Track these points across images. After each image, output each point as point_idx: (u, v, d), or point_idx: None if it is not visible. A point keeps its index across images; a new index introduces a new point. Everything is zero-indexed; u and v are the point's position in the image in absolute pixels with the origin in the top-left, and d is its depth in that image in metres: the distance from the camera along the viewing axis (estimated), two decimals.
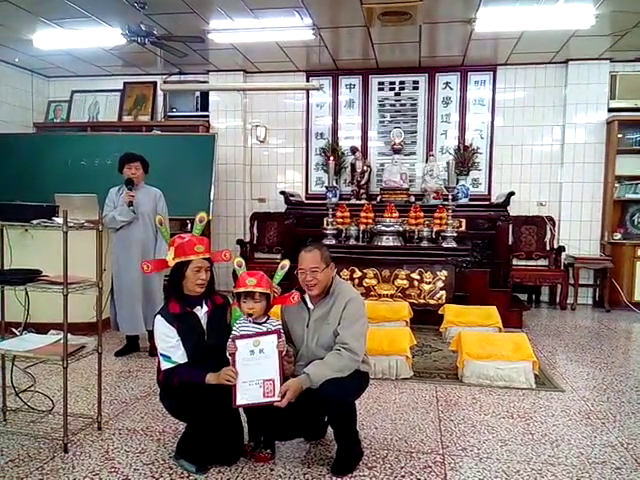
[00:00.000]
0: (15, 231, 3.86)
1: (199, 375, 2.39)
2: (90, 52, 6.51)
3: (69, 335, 2.62)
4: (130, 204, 4.16)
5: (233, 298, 2.62)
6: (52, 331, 2.98)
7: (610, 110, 6.66)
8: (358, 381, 2.52)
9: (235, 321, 2.55)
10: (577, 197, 6.79)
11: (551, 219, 6.87)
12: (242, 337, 2.42)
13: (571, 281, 6.58)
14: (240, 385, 2.34)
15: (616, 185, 6.63)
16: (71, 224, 2.57)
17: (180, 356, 2.42)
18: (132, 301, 4.22)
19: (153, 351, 2.58)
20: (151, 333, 3.37)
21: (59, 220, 2.59)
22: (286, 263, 2.67)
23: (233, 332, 2.48)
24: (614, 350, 4.74)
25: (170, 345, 2.42)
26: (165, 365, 2.41)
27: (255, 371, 2.35)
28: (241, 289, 2.46)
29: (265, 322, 2.50)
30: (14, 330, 3.59)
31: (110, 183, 4.39)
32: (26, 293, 2.86)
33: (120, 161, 4.29)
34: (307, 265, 2.50)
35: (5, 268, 2.89)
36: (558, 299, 6.68)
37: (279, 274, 2.63)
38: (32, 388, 3.38)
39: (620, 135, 6.60)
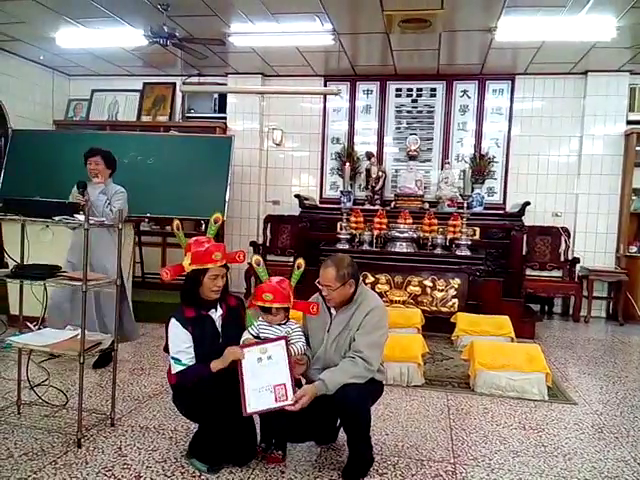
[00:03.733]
0: (34, 227, 3.91)
1: (202, 370, 2.40)
2: (111, 52, 6.58)
3: (86, 331, 2.64)
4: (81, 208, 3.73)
5: (248, 300, 2.63)
6: (69, 327, 3.02)
7: (629, 122, 6.61)
8: (373, 388, 2.53)
9: (249, 326, 2.57)
10: (593, 209, 6.73)
11: (566, 230, 6.83)
12: (249, 345, 2.42)
13: (585, 293, 6.52)
14: (250, 393, 2.34)
15: (633, 198, 6.58)
16: (92, 221, 2.60)
17: (190, 359, 2.43)
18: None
19: (166, 346, 2.58)
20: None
21: (80, 217, 2.62)
22: (301, 262, 2.66)
23: (251, 330, 2.51)
24: (627, 364, 4.69)
25: (180, 349, 2.42)
26: (176, 368, 2.43)
27: (265, 378, 2.36)
28: (259, 303, 2.48)
29: (284, 324, 2.53)
30: (29, 325, 3.63)
31: (128, 182, 4.41)
32: (45, 289, 2.90)
33: (84, 157, 4.07)
34: (322, 281, 2.52)
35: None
36: (571, 311, 6.62)
37: (296, 274, 2.64)
38: (46, 382, 3.41)
39: (638, 148, 6.53)
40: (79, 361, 2.59)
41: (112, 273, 3.69)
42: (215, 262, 2.46)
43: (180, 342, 2.43)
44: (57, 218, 2.60)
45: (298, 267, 2.64)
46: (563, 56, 6.15)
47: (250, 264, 2.66)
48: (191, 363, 2.42)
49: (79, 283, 2.53)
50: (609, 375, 4.30)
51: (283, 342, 2.41)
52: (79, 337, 2.62)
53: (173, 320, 2.47)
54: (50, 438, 2.73)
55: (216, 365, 2.39)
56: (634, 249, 6.51)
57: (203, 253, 2.46)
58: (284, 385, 2.34)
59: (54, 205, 2.74)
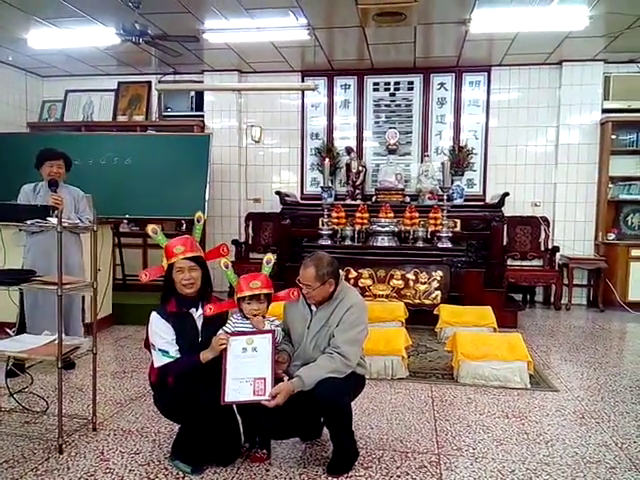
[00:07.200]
0: (9, 231, 3.84)
1: (192, 360, 2.39)
2: (84, 51, 6.48)
3: (63, 336, 2.60)
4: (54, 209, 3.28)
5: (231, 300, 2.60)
6: (46, 331, 2.96)
7: (604, 111, 6.69)
8: (354, 383, 2.53)
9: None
10: (571, 198, 6.81)
11: (545, 219, 6.90)
12: (236, 334, 2.43)
13: (565, 281, 6.60)
14: (230, 382, 2.34)
15: (610, 186, 6.66)
16: (65, 224, 2.55)
17: (176, 352, 2.42)
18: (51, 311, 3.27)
19: (146, 342, 2.56)
20: None
21: (53, 220, 2.57)
22: (271, 257, 2.66)
23: (226, 327, 2.49)
24: (608, 350, 4.76)
25: (166, 341, 2.41)
26: (163, 360, 2.40)
27: (246, 369, 2.36)
28: (246, 293, 2.46)
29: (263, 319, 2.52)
30: (8, 330, 3.57)
31: (103, 183, 4.35)
32: (21, 294, 2.85)
33: (39, 157, 3.88)
34: (302, 280, 2.52)
35: None
36: (552, 299, 6.70)
37: (266, 269, 2.63)
38: (26, 389, 3.36)
39: (614, 136, 6.62)
40: (57, 366, 2.55)
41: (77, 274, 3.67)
42: (177, 255, 2.47)
43: (165, 334, 2.42)
44: (29, 221, 2.55)
45: (267, 262, 2.64)
46: (537, 46, 6.19)
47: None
48: (178, 356, 2.41)
49: (53, 287, 2.49)
50: (590, 361, 4.36)
51: (270, 335, 2.42)
52: (56, 342, 2.57)
53: (154, 313, 2.47)
54: (31, 445, 2.69)
55: (206, 356, 2.39)
56: (612, 236, 6.60)
57: (168, 247, 2.50)
58: (264, 379, 2.33)
59: (25, 209, 2.68)
